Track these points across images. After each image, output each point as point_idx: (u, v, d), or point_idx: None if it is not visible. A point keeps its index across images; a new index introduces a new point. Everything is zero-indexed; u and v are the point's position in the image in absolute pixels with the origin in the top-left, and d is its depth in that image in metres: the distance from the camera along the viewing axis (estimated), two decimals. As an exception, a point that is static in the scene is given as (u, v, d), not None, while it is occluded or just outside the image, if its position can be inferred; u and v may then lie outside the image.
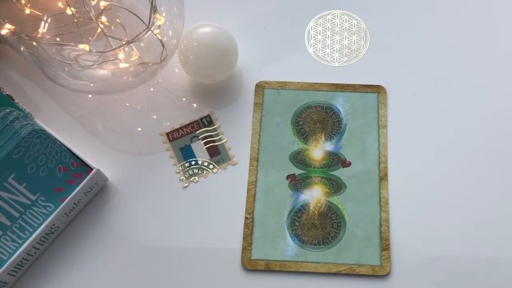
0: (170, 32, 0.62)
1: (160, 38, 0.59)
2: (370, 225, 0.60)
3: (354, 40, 0.68)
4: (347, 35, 0.69)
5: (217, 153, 0.63)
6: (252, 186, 0.62)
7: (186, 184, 0.62)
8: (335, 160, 0.63)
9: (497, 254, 0.58)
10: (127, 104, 0.66)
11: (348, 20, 0.69)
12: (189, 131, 0.64)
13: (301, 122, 0.64)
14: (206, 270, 0.58)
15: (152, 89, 0.67)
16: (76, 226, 0.60)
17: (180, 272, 0.59)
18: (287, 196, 0.61)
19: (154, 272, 0.59)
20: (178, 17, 0.63)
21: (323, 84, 0.66)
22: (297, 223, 0.60)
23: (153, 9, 0.58)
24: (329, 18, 0.70)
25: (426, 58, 0.67)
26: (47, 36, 0.64)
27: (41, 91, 0.66)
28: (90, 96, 0.66)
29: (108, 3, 0.62)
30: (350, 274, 0.58)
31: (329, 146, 0.63)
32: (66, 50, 0.63)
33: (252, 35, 0.69)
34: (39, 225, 0.58)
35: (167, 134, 0.64)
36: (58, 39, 0.63)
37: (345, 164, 0.62)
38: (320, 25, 0.69)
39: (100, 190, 0.62)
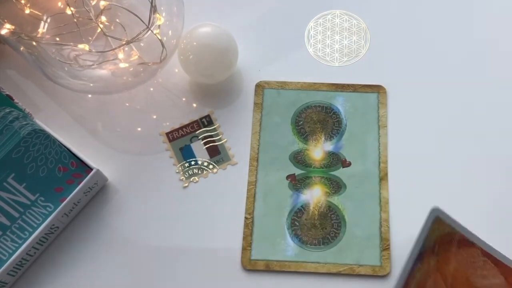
0: (170, 32, 0.62)
1: (160, 38, 0.59)
2: (370, 225, 0.60)
3: (354, 40, 0.68)
4: (347, 35, 0.69)
5: (217, 153, 0.63)
6: (252, 186, 0.62)
7: (186, 184, 0.62)
8: (335, 160, 0.63)
9: (497, 254, 0.58)
10: (127, 104, 0.66)
11: (348, 20, 0.69)
12: (189, 131, 0.64)
13: (301, 122, 0.64)
14: (206, 270, 0.58)
15: (152, 89, 0.67)
16: (76, 226, 0.60)
17: (180, 272, 0.58)
18: (287, 196, 0.61)
19: (154, 272, 0.59)
20: (178, 17, 0.63)
21: (323, 84, 0.66)
22: (297, 223, 0.60)
23: (153, 9, 0.58)
24: (329, 18, 0.70)
25: (426, 58, 0.67)
26: (47, 36, 0.64)
27: (41, 91, 0.66)
28: (90, 96, 0.66)
29: (108, 3, 0.62)
30: (350, 274, 0.58)
31: (329, 146, 0.63)
32: (65, 50, 0.63)
33: (252, 35, 0.69)
34: (39, 225, 0.58)
35: (167, 134, 0.64)
36: (57, 39, 0.63)
37: (345, 164, 0.62)
38: (320, 25, 0.69)
39: (100, 190, 0.62)
